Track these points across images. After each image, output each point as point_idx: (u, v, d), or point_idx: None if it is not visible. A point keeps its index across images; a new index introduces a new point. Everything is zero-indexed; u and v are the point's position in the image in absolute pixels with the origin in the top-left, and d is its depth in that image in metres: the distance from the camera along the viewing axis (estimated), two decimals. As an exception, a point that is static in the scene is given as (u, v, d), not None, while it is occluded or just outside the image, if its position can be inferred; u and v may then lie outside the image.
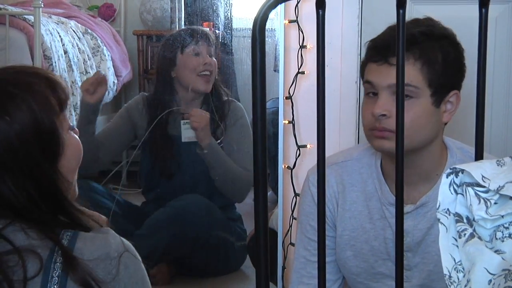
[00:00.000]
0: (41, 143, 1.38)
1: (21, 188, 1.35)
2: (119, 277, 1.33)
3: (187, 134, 3.26)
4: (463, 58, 1.76)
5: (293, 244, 2.50)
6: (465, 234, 0.85)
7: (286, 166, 2.67)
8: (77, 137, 1.49)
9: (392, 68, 1.67)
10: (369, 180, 1.85)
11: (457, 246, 0.86)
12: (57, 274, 1.29)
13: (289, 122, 2.66)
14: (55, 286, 1.28)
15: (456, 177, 0.88)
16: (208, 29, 3.44)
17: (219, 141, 3.27)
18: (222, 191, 3.34)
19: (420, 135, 1.72)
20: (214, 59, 3.38)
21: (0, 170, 1.35)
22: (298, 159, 2.64)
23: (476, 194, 0.86)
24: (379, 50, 1.72)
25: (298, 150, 2.64)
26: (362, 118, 1.78)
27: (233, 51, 3.65)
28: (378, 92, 1.72)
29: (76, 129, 1.52)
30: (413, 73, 1.69)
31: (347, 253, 1.87)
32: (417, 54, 1.69)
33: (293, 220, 2.60)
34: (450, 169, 0.89)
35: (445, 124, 1.78)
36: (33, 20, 3.47)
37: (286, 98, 2.65)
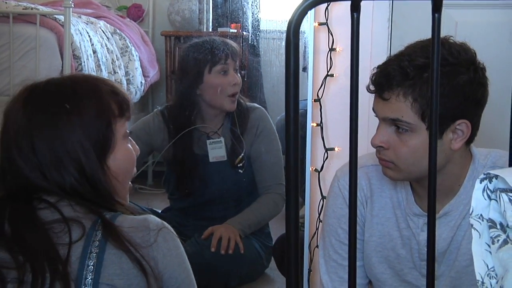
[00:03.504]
0: (93, 137, 1.52)
1: (68, 173, 1.50)
2: (158, 246, 1.47)
3: (214, 153, 3.15)
4: (476, 85, 1.65)
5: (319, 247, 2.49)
6: (498, 240, 0.85)
7: (314, 168, 2.67)
8: (131, 147, 1.62)
9: (385, 103, 1.67)
10: (399, 187, 1.83)
11: (490, 252, 0.85)
12: (97, 239, 1.44)
13: (317, 125, 2.66)
14: (95, 249, 1.43)
15: (490, 183, 0.87)
16: (231, 42, 3.18)
17: (241, 154, 3.15)
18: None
19: (421, 165, 1.66)
20: (239, 75, 3.17)
21: (53, 152, 1.50)
22: (325, 162, 2.64)
23: (510, 200, 0.85)
24: (375, 84, 1.70)
25: (326, 153, 2.64)
26: None
27: (261, 53, 3.64)
28: (379, 121, 1.73)
29: (137, 146, 1.66)
30: (405, 109, 1.65)
31: (373, 259, 1.86)
32: (409, 90, 1.64)
33: (320, 223, 2.59)
34: (484, 174, 0.88)
35: (457, 150, 1.70)
36: (63, 20, 3.49)
37: (315, 100, 2.65)
